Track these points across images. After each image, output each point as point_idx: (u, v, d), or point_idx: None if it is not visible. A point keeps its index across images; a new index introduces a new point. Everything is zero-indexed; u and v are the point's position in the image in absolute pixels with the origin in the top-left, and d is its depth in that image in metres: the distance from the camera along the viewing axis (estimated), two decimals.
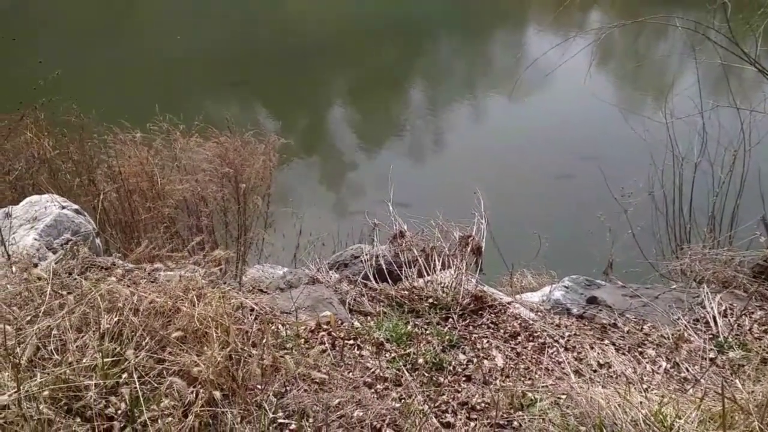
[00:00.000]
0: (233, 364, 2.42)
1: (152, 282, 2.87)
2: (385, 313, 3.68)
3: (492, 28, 19.38)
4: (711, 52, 5.08)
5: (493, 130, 11.37)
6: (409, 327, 3.45)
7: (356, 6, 19.65)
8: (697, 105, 5.38)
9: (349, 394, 2.62)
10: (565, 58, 5.56)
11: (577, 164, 9.14)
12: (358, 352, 3.14)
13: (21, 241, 3.59)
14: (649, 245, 5.38)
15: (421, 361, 3.12)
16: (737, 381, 2.87)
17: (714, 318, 3.79)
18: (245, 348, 2.51)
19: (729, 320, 3.79)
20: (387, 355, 3.16)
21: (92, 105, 5.67)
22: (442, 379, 3.01)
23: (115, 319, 2.43)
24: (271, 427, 2.34)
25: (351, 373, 2.91)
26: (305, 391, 2.59)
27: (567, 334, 3.64)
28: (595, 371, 3.23)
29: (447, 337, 3.38)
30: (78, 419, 2.12)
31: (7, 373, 2.15)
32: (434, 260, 4.37)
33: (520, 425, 2.63)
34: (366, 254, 4.67)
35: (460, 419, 2.70)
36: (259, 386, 2.48)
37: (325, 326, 3.29)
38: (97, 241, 4.17)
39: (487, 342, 3.45)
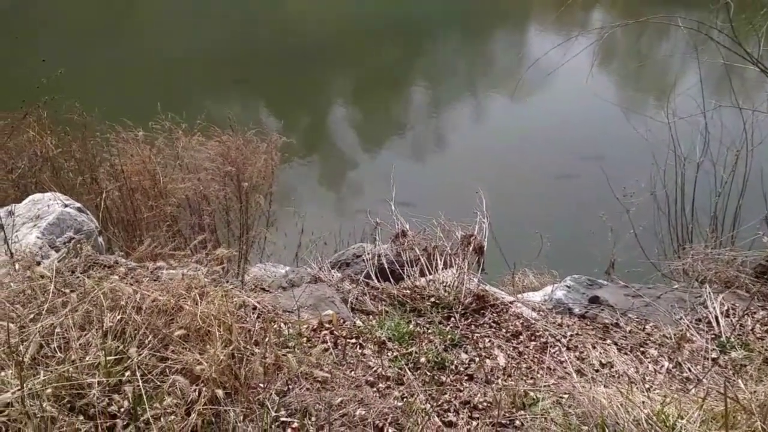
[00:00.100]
0: (236, 362, 2.42)
1: (155, 280, 2.88)
2: (387, 312, 3.68)
3: (493, 28, 19.37)
4: (713, 51, 5.07)
5: (495, 129, 11.37)
6: (411, 326, 3.45)
7: (356, 6, 19.64)
8: (700, 105, 5.37)
9: (351, 393, 2.63)
10: (567, 58, 5.56)
11: (578, 164, 9.13)
12: (360, 351, 3.15)
13: (24, 239, 3.59)
14: (651, 245, 5.38)
15: (423, 360, 3.12)
16: (739, 381, 2.87)
17: (716, 318, 3.78)
18: (248, 346, 2.51)
19: (731, 320, 3.79)
20: (389, 354, 3.16)
21: (94, 103, 5.67)
22: (444, 378, 3.01)
23: (118, 317, 2.43)
24: (273, 426, 2.34)
25: (353, 372, 2.91)
26: (307, 389, 2.59)
27: (569, 333, 3.64)
28: (597, 371, 3.22)
29: (449, 336, 3.38)
30: (81, 417, 2.13)
31: (10, 371, 2.16)
32: (436, 259, 4.37)
33: (522, 424, 2.63)
34: (368, 253, 4.67)
35: (462, 418, 2.70)
36: (261, 385, 2.48)
37: (327, 325, 3.29)
38: (100, 239, 4.17)
39: (489, 341, 3.45)
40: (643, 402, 2.48)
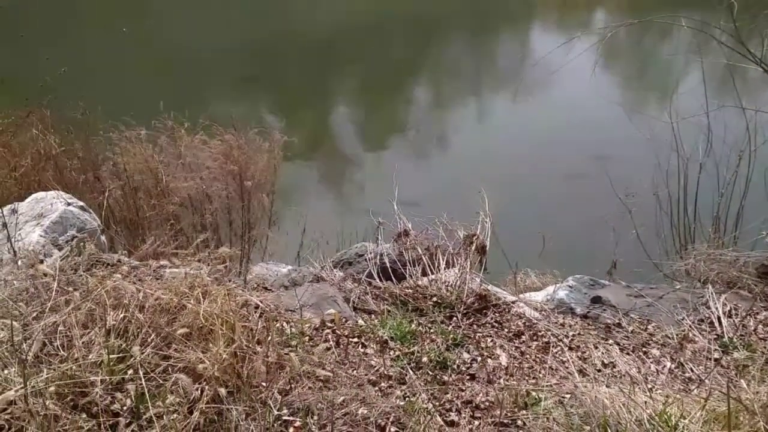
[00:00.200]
0: (238, 361, 2.42)
1: (157, 279, 2.88)
2: (389, 311, 3.68)
3: (498, 28, 19.34)
4: (716, 52, 5.07)
5: (498, 129, 11.34)
6: (413, 325, 3.45)
7: (365, 3, 19.62)
8: (703, 105, 5.36)
9: (353, 392, 2.63)
10: (570, 58, 5.56)
11: (581, 164, 9.11)
12: (362, 350, 3.15)
13: (27, 237, 3.60)
14: (653, 245, 5.37)
15: (425, 359, 3.12)
16: (742, 381, 2.86)
17: (719, 318, 3.78)
18: (250, 345, 2.51)
19: (734, 321, 3.79)
20: (391, 353, 3.16)
21: (98, 102, 5.68)
22: (446, 378, 3.02)
23: (121, 316, 2.44)
24: (276, 424, 2.34)
25: (355, 371, 2.92)
26: (310, 388, 2.59)
27: (571, 333, 3.64)
28: (599, 371, 3.22)
29: (451, 336, 3.38)
30: (84, 415, 2.13)
31: (13, 369, 2.16)
32: (438, 259, 4.37)
33: (525, 424, 2.63)
34: (370, 253, 4.67)
35: (465, 418, 2.71)
36: (264, 383, 2.48)
37: (329, 324, 3.29)
38: (102, 238, 4.18)
39: (491, 341, 3.45)
40: (646, 402, 2.48)
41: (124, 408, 2.19)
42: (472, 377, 3.07)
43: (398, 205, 5.19)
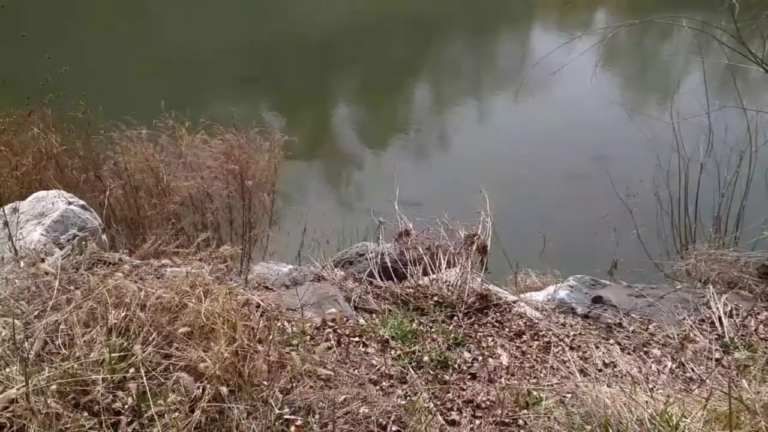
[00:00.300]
0: (239, 360, 2.42)
1: (159, 278, 2.88)
2: (390, 310, 3.68)
3: (498, 28, 19.34)
4: (717, 52, 5.07)
5: (499, 129, 11.35)
6: (414, 325, 3.46)
7: (365, 4, 19.61)
8: (704, 105, 5.36)
9: (354, 391, 2.63)
10: (571, 58, 5.56)
11: (582, 164, 9.12)
12: (363, 350, 3.15)
13: (28, 236, 3.60)
14: (654, 245, 5.37)
15: (426, 358, 3.12)
16: (743, 381, 2.86)
17: (719, 318, 3.78)
18: (251, 344, 2.51)
19: (735, 321, 3.79)
20: (392, 352, 3.16)
21: (99, 101, 5.68)
22: (447, 377, 3.02)
23: (123, 315, 2.43)
24: (277, 423, 2.34)
25: (356, 370, 2.92)
26: (311, 387, 2.59)
27: (572, 333, 3.64)
28: (600, 370, 3.23)
29: (452, 335, 3.38)
30: (85, 413, 2.13)
31: (15, 367, 2.16)
32: (439, 258, 4.37)
33: (526, 423, 2.63)
34: (371, 252, 4.67)
35: (466, 417, 2.71)
36: (265, 382, 2.48)
37: (330, 323, 3.29)
38: (103, 237, 4.18)
39: (492, 340, 3.45)
40: (647, 402, 2.48)
41: (126, 406, 2.19)
42: (473, 376, 3.07)
43: (399, 205, 5.19)
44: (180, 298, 2.58)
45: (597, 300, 4.09)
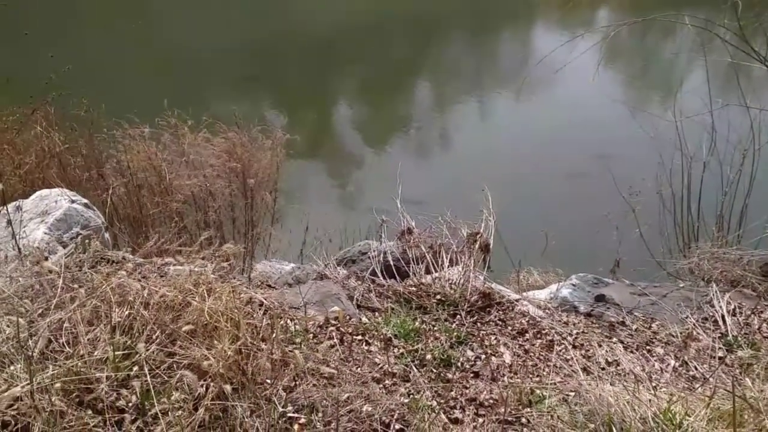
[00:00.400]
0: (243, 358, 2.42)
1: (162, 276, 2.88)
2: (392, 309, 3.68)
3: (499, 28, 19.32)
4: (720, 50, 5.06)
5: (501, 128, 11.35)
6: (416, 323, 3.46)
7: (366, 3, 19.61)
8: (707, 104, 5.35)
9: (357, 389, 2.63)
10: (573, 56, 5.55)
11: (584, 163, 9.12)
12: (366, 348, 3.15)
13: (31, 234, 3.61)
14: (657, 244, 5.37)
15: (429, 357, 3.12)
16: (747, 379, 2.86)
17: (723, 317, 3.78)
18: (255, 342, 2.51)
19: (738, 319, 3.78)
20: (395, 350, 3.17)
21: (102, 100, 5.69)
22: (450, 376, 3.02)
23: (126, 313, 2.44)
24: (280, 421, 2.34)
25: (359, 369, 2.92)
26: (314, 385, 2.59)
27: (575, 331, 3.64)
28: (603, 369, 3.22)
29: (455, 334, 3.38)
30: (89, 411, 2.13)
31: (19, 366, 2.16)
32: (442, 257, 4.37)
33: (529, 422, 2.63)
34: (374, 250, 4.67)
35: (469, 415, 2.71)
36: (268, 380, 2.48)
37: (333, 321, 3.29)
38: (106, 235, 4.18)
39: (495, 339, 3.45)
40: (650, 400, 2.47)
41: (130, 404, 2.19)
42: (476, 375, 3.07)
43: (402, 203, 5.19)
44: (183, 296, 2.58)
45: (600, 298, 4.08)
